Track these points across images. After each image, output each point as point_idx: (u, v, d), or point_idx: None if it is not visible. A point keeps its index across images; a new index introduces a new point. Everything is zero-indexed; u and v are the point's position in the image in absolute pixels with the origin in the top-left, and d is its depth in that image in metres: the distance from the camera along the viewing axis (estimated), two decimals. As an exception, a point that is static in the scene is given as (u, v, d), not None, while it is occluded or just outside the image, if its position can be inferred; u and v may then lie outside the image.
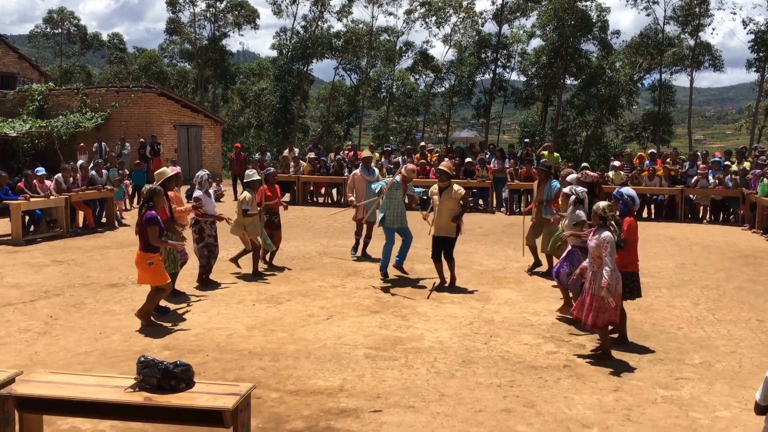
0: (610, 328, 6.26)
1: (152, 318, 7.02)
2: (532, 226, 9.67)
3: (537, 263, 9.76)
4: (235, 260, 9.53)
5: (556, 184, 9.31)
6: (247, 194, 9.27)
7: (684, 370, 5.87)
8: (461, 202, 8.64)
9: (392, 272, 9.30)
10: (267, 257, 9.88)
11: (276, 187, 9.99)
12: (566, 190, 7.40)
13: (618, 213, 6.30)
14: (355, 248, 10.92)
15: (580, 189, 7.31)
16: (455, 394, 5.28)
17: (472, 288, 8.76)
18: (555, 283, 8.80)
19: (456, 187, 8.67)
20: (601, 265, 5.89)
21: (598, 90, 34.74)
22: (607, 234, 5.88)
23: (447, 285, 8.76)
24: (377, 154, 17.47)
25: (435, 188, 8.84)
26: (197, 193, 8.65)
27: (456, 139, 39.95)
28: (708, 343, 6.63)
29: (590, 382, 5.54)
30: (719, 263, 10.61)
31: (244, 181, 9.54)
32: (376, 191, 9.55)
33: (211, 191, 8.99)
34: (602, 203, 6.12)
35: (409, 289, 8.71)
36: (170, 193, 7.80)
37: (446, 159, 14.32)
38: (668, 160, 16.57)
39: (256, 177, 9.36)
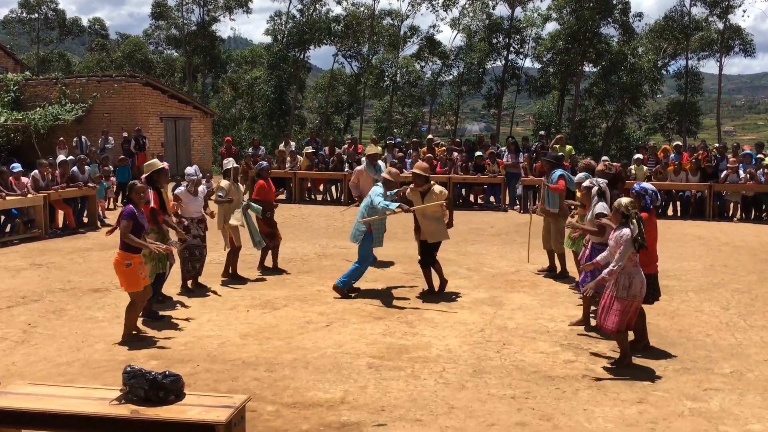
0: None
1: (134, 333, 6.86)
2: (544, 227, 9.66)
3: (551, 268, 9.73)
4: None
5: (558, 172, 9.37)
6: (223, 182, 9.38)
7: (713, 380, 5.87)
8: (446, 203, 8.54)
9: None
10: (263, 261, 9.97)
11: (269, 182, 10.08)
12: (587, 183, 7.40)
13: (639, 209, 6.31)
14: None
15: (601, 180, 7.30)
16: (466, 406, 5.29)
17: (484, 292, 8.77)
18: (571, 286, 8.83)
19: (438, 188, 8.49)
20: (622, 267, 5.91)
21: (619, 78, 34.73)
22: (626, 231, 5.90)
23: (437, 291, 8.63)
24: (379, 148, 17.45)
25: (411, 191, 8.55)
26: (179, 189, 8.67)
27: (465, 133, 40.01)
28: (739, 351, 6.62)
29: (611, 393, 5.55)
30: (751, 265, 10.60)
31: (223, 169, 9.84)
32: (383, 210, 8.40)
33: (200, 189, 8.96)
34: (624, 199, 6.12)
35: (414, 294, 8.72)
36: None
37: (420, 160, 13.59)
38: (697, 152, 16.47)
39: (233, 165, 9.57)
